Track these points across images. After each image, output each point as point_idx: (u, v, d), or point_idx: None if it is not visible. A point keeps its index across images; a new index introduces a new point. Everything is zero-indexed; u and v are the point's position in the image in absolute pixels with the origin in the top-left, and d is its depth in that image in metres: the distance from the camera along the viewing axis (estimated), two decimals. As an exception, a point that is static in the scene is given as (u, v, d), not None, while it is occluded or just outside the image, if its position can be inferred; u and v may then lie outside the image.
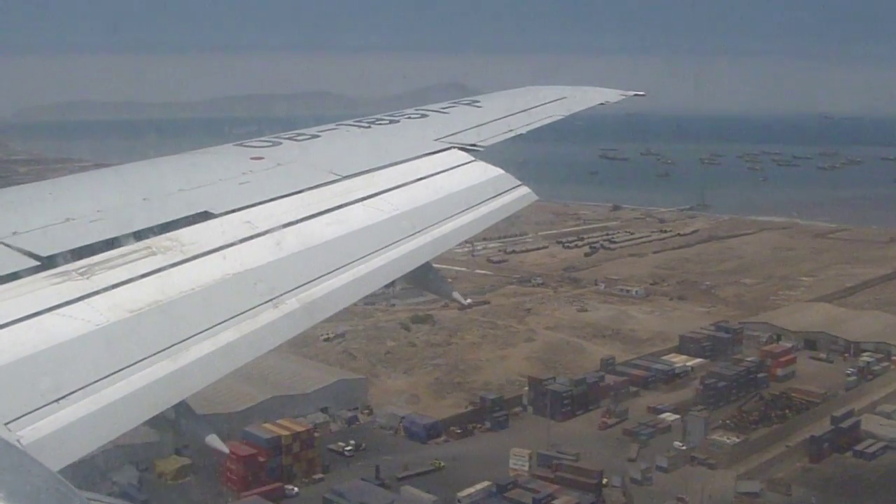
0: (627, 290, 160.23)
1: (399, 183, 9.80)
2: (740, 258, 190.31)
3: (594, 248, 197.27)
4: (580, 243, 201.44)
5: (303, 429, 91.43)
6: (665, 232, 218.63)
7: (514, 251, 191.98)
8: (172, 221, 7.47)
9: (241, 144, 10.53)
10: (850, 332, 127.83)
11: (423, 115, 13.22)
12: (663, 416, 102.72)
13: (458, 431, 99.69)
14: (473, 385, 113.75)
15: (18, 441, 4.84)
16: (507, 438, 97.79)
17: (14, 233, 6.68)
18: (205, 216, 7.73)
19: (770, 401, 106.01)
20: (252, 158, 9.77)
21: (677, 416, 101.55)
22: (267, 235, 7.74)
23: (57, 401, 5.21)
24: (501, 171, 11.09)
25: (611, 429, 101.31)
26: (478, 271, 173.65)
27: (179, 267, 6.86)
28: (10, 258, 6.28)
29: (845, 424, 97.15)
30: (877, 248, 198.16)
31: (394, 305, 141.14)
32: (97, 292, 6.15)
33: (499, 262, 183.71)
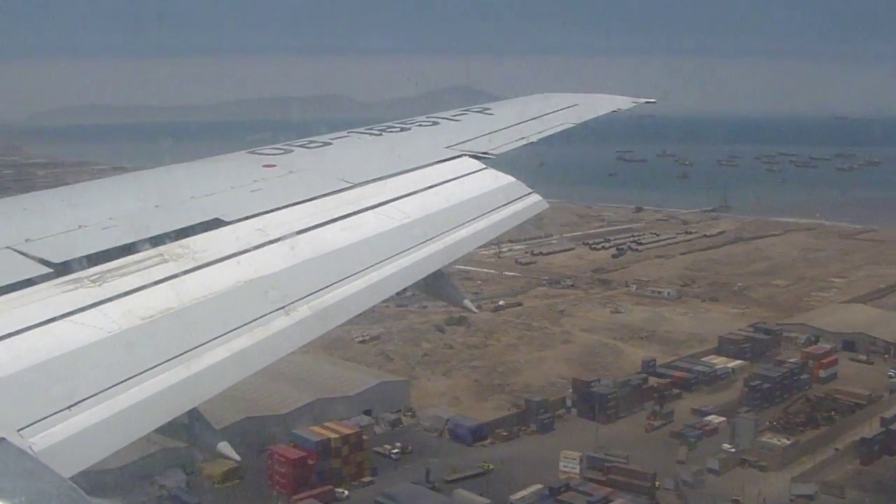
0: (659, 292, 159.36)
1: (411, 190, 9.85)
2: (769, 259, 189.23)
3: (621, 249, 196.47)
4: (607, 245, 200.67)
5: (352, 431, 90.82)
6: (690, 233, 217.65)
7: (540, 253, 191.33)
8: (184, 229, 7.52)
9: (253, 152, 10.61)
10: (888, 333, 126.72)
11: (435, 123, 13.24)
12: (709, 418, 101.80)
13: (504, 434, 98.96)
14: (514, 387, 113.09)
15: (30, 448, 4.89)
16: (553, 441, 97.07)
17: (27, 240, 6.75)
18: (217, 223, 7.79)
19: (816, 403, 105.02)
20: (264, 166, 9.87)
21: (723, 419, 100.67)
22: (279, 243, 7.80)
23: (69, 408, 5.24)
24: (513, 179, 11.12)
25: (656, 431, 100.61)
26: (507, 273, 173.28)
27: (192, 274, 6.90)
28: (22, 265, 6.34)
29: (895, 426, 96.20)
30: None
31: (426, 307, 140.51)
32: (109, 299, 6.20)
33: (527, 263, 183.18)
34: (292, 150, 10.71)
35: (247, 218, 8.03)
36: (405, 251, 8.55)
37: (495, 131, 12.67)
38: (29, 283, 6.12)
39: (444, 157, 11.20)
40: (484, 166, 11.21)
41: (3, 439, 4.76)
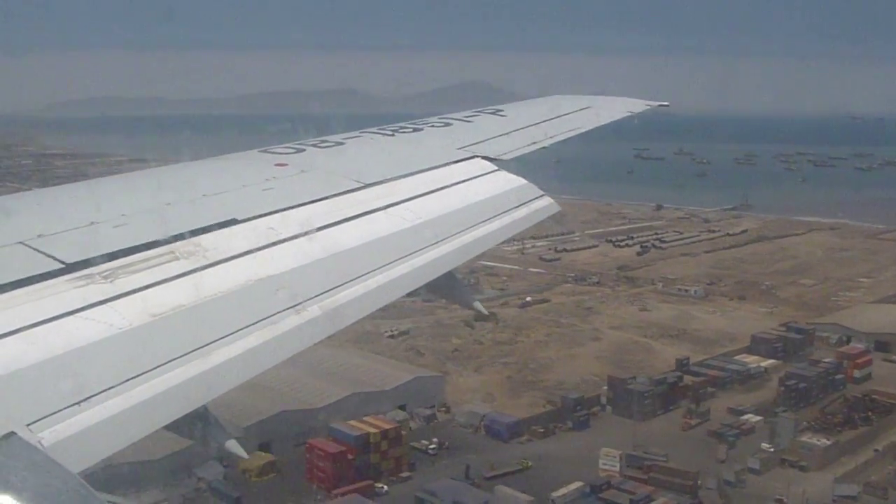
0: (686, 290, 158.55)
1: (422, 191, 9.84)
2: (794, 258, 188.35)
3: (645, 247, 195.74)
4: (630, 242, 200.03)
5: (390, 426, 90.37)
6: (713, 232, 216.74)
7: (564, 249, 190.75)
8: (196, 226, 7.51)
9: (265, 151, 10.63)
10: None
11: (447, 124, 13.21)
12: (746, 417, 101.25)
13: (540, 431, 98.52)
14: (547, 384, 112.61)
15: (40, 443, 4.90)
16: (589, 438, 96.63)
17: (39, 235, 6.78)
18: (229, 222, 7.79)
19: (853, 403, 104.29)
20: (276, 165, 9.89)
21: (760, 418, 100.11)
22: (290, 242, 7.79)
23: (78, 403, 5.24)
24: (524, 181, 11.10)
25: (693, 429, 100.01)
26: (531, 269, 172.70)
27: (202, 272, 6.91)
28: (34, 261, 6.36)
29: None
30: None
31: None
32: (120, 296, 6.21)
33: (551, 260, 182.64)
34: (304, 150, 10.72)
35: (259, 216, 8.03)
36: (416, 252, 8.55)
37: (507, 133, 12.66)
38: (41, 278, 6.13)
39: (456, 159, 11.19)
40: (496, 168, 11.19)
41: (13, 433, 4.80)
